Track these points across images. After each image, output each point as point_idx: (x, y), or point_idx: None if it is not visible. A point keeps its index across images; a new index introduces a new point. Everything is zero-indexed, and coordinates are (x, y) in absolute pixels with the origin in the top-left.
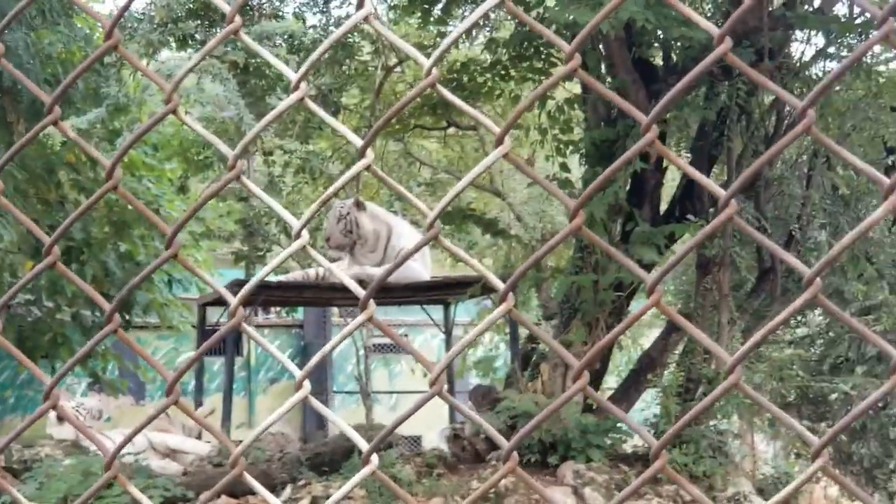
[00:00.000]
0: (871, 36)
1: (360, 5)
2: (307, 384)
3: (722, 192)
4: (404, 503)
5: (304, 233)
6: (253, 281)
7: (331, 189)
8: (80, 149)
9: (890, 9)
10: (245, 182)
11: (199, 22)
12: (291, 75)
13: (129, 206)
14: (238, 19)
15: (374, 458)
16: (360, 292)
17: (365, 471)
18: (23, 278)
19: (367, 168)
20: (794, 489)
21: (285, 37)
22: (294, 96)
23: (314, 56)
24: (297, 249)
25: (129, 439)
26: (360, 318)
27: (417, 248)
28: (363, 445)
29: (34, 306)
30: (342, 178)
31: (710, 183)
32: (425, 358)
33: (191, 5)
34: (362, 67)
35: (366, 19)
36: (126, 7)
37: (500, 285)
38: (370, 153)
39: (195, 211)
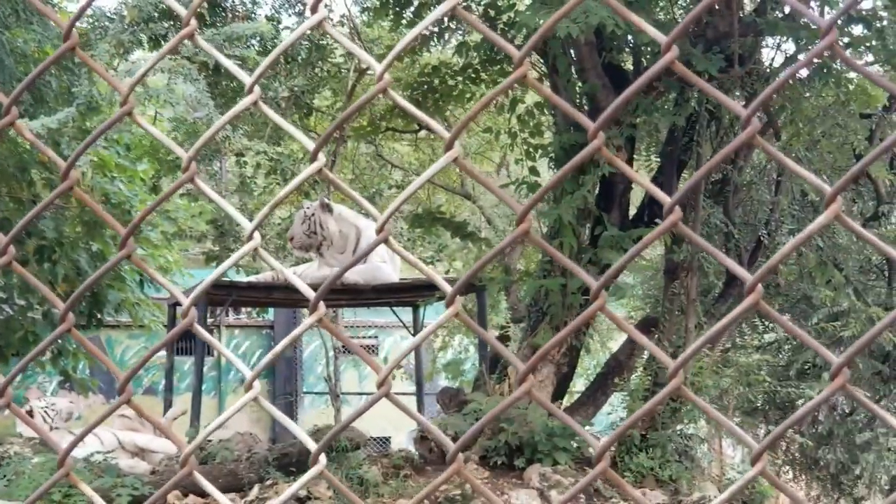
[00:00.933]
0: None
1: (314, 9)
2: (257, 385)
3: (667, 199)
4: None
5: (256, 235)
6: (204, 282)
7: (282, 193)
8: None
9: (833, 19)
10: (198, 184)
11: (171, 23)
12: (245, 79)
13: (102, 206)
14: (193, 22)
15: (322, 458)
16: (311, 294)
17: (313, 471)
18: None
19: (319, 172)
20: (736, 490)
21: (256, 39)
22: (247, 100)
23: (267, 60)
24: (249, 251)
25: (80, 438)
26: (310, 319)
27: (369, 251)
28: (311, 445)
29: (5, 304)
30: (292, 182)
31: (657, 190)
32: (373, 360)
33: (163, 6)
34: (335, 70)
35: (319, 24)
36: (83, 10)
37: (448, 288)
38: (321, 157)
39: (148, 212)
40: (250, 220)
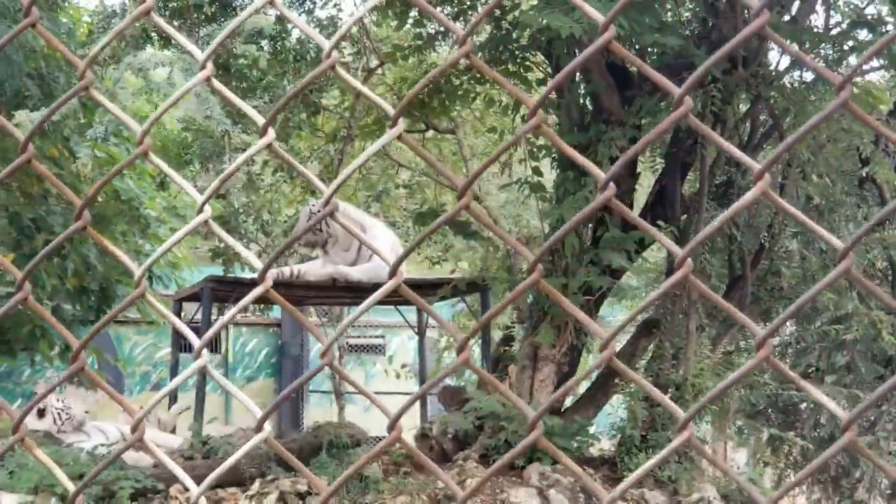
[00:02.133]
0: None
1: None
2: (205, 353)
3: (602, 175)
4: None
5: (207, 207)
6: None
7: (231, 167)
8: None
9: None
10: (153, 158)
11: (182, 20)
12: (198, 54)
13: (111, 202)
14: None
15: (267, 425)
16: (259, 265)
17: (259, 436)
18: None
19: (269, 147)
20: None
21: (253, 33)
22: (201, 75)
23: (221, 36)
24: (199, 223)
25: (31, 407)
26: (258, 289)
27: (306, 230)
28: (257, 413)
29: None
30: (241, 157)
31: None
32: (315, 328)
33: (172, 4)
34: (343, 68)
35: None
36: (101, 49)
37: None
38: (271, 132)
39: (102, 185)
40: (256, 216)
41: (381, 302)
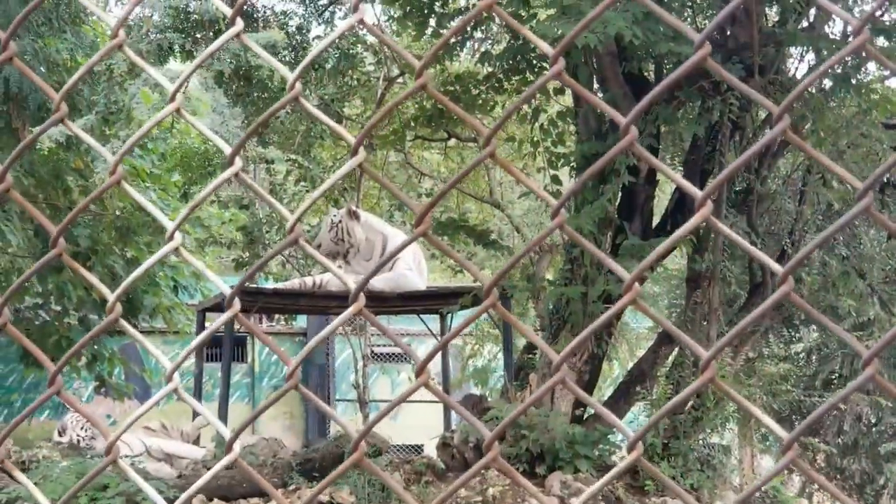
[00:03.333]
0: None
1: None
2: (176, 377)
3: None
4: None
5: (177, 235)
6: (118, 290)
7: (201, 194)
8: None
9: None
10: (125, 187)
11: (205, 32)
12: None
13: (135, 213)
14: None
15: (237, 445)
16: (352, 285)
17: (227, 458)
18: (35, 267)
19: (236, 176)
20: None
21: (268, 47)
22: (170, 107)
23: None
24: (169, 251)
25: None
26: (227, 314)
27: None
28: (226, 434)
29: (41, 310)
30: (214, 183)
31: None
32: (281, 350)
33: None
34: (364, 78)
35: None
36: (131, 8)
37: (352, 286)
38: (238, 161)
39: (78, 212)
40: (280, 226)
41: (403, 311)
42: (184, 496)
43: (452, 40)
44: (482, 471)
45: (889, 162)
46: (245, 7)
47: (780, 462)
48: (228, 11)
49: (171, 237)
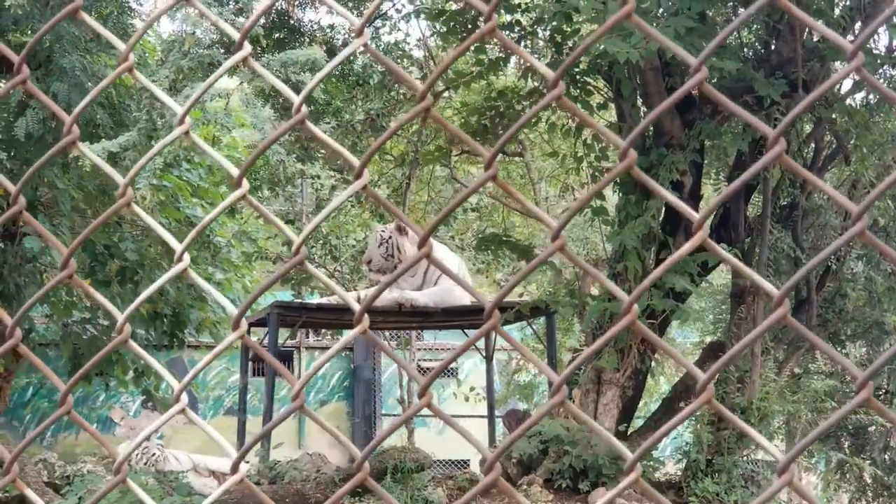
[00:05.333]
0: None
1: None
2: (184, 398)
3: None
4: None
5: (185, 256)
6: (128, 310)
7: (207, 217)
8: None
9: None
10: (135, 209)
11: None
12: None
13: (182, 229)
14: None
15: (243, 466)
16: (356, 307)
17: (232, 479)
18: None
19: (244, 198)
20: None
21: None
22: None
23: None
24: (177, 273)
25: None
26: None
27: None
28: (233, 454)
29: (90, 324)
30: (221, 206)
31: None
32: (287, 372)
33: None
34: (410, 93)
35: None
36: (142, 33)
37: (356, 307)
38: (245, 183)
39: (88, 234)
40: (325, 241)
41: (447, 326)
42: None
43: (497, 55)
44: (525, 487)
45: (883, 184)
46: (291, 22)
47: (774, 485)
48: (236, 35)
49: (180, 259)
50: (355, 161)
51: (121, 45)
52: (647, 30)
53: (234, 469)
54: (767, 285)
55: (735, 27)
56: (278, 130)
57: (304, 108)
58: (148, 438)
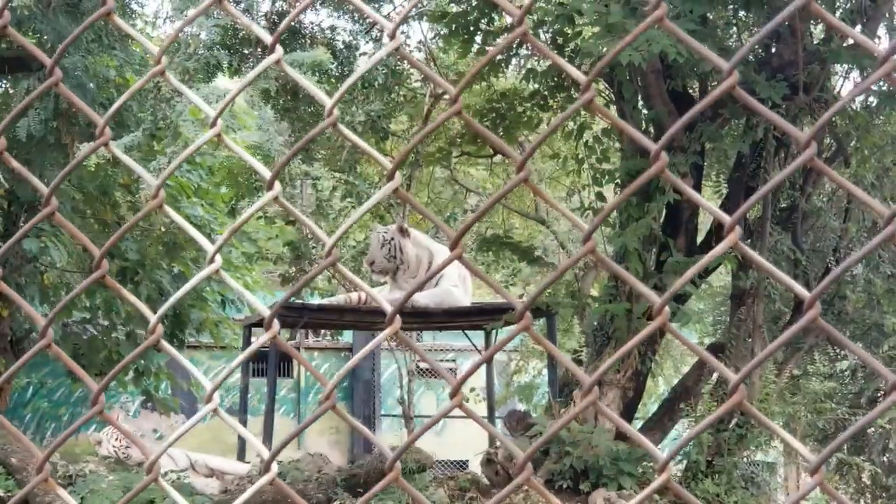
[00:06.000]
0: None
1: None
2: (216, 397)
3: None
4: None
5: (217, 257)
6: (159, 311)
7: (243, 217)
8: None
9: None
10: (167, 210)
11: (251, 49)
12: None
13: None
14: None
15: (274, 465)
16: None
17: (265, 478)
18: (75, 291)
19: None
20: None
21: (313, 66)
22: (210, 132)
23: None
24: (210, 273)
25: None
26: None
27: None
28: (265, 454)
29: (90, 324)
30: (254, 206)
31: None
32: (320, 374)
33: (243, 33)
34: (411, 95)
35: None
36: (173, 37)
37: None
38: (277, 185)
39: (120, 236)
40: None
41: (448, 327)
42: None
43: (499, 57)
44: (527, 487)
45: None
46: (292, 23)
47: (807, 485)
48: (268, 38)
49: (212, 260)
50: (387, 164)
51: (153, 49)
52: (679, 35)
53: (267, 468)
54: (798, 288)
55: (772, 28)
56: (310, 133)
57: (336, 112)
58: (178, 438)
